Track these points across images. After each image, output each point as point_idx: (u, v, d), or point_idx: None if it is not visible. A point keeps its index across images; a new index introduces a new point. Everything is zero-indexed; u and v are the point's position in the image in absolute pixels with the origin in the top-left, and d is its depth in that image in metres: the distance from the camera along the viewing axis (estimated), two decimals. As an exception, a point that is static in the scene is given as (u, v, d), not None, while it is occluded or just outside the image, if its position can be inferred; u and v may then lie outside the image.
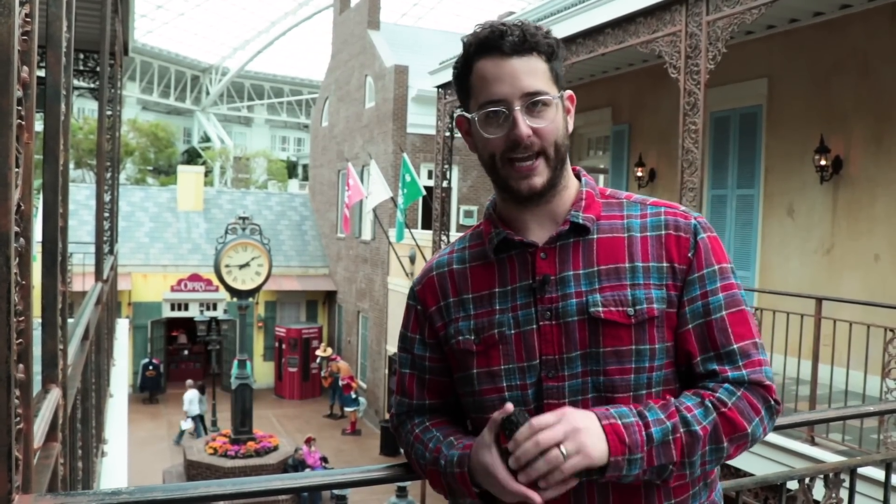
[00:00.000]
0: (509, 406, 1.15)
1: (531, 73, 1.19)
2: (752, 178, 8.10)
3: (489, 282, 1.28)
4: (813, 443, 5.29)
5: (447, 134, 11.03)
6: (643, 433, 1.13)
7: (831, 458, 4.91)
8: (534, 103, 1.19)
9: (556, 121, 1.22)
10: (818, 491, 2.32)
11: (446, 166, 11.11)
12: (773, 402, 1.21)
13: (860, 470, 2.33)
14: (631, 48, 6.82)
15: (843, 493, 2.34)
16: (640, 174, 9.72)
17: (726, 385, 1.19)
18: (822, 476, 2.37)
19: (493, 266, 1.29)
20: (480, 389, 1.27)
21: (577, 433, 1.09)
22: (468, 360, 1.28)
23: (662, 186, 9.35)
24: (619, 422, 1.13)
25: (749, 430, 1.18)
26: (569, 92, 1.27)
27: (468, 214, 18.03)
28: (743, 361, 1.20)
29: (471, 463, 1.20)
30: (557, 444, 1.08)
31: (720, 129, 8.42)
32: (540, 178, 1.21)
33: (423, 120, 17.09)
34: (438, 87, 11.31)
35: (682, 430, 1.14)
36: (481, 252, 1.31)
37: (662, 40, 6.27)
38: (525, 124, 1.18)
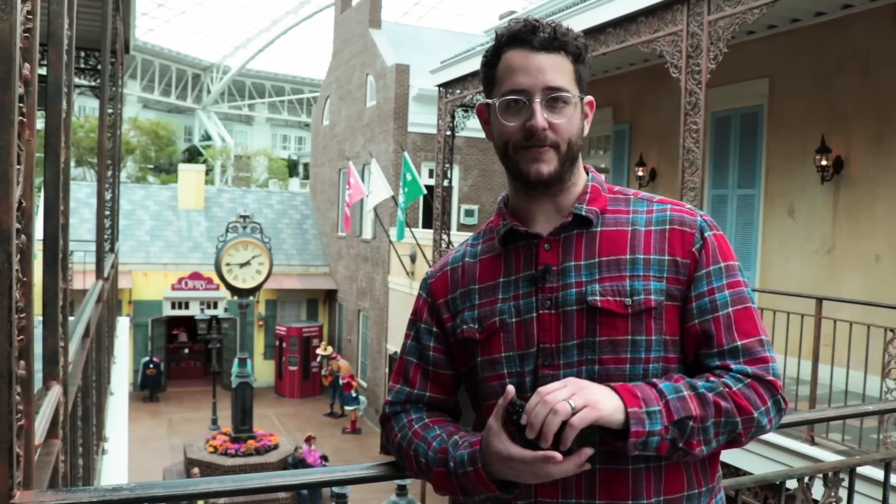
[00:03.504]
0: (510, 389, 1.15)
1: (556, 69, 1.23)
2: (753, 178, 8.10)
3: (495, 272, 1.32)
4: (812, 442, 5.29)
5: (448, 133, 11.02)
6: (654, 390, 1.14)
7: (831, 457, 4.90)
8: (554, 99, 1.22)
9: (573, 120, 1.24)
10: (817, 490, 2.32)
11: (447, 165, 11.11)
12: (779, 398, 1.22)
13: (859, 469, 2.33)
14: (632, 47, 6.82)
15: (843, 493, 2.35)
16: (640, 174, 9.72)
17: (732, 374, 1.20)
18: (821, 475, 2.37)
19: (500, 257, 1.32)
20: (483, 377, 1.29)
21: (583, 389, 1.10)
22: (473, 348, 1.30)
23: (663, 186, 9.35)
24: (628, 383, 1.16)
25: (755, 416, 1.17)
26: (589, 97, 1.30)
27: (469, 213, 18.03)
28: (747, 359, 1.21)
29: (483, 456, 1.19)
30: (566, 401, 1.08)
31: (721, 129, 8.42)
32: (547, 167, 1.23)
33: (424, 119, 17.08)
34: (439, 85, 11.30)
35: (691, 391, 1.15)
36: (491, 245, 1.35)
37: (664, 40, 6.27)
38: (542, 116, 1.21)
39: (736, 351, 1.21)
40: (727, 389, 1.16)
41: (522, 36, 1.23)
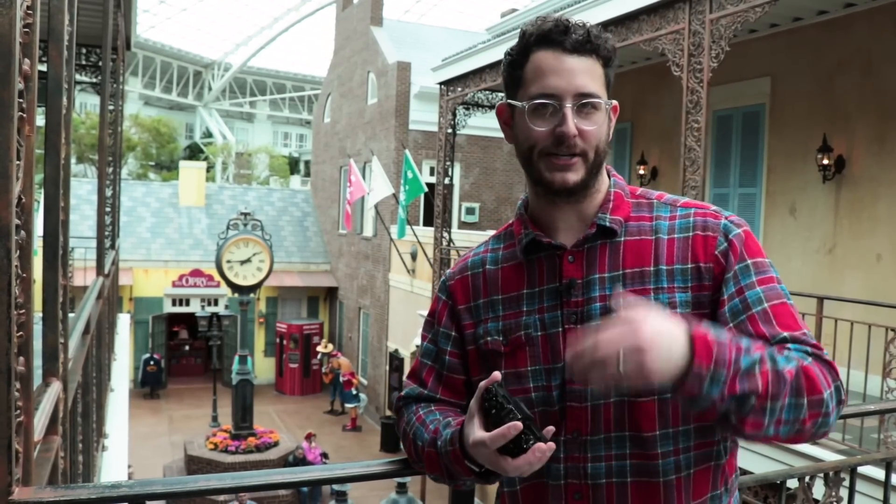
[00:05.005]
0: (496, 374, 1.12)
1: (588, 73, 1.18)
2: (755, 177, 8.09)
3: (518, 283, 1.29)
4: (813, 441, 5.29)
5: (449, 131, 11.02)
6: (733, 354, 1.02)
7: (831, 457, 4.90)
8: (585, 104, 1.18)
9: (602, 126, 1.21)
10: (818, 490, 2.32)
11: (448, 163, 11.10)
12: (840, 383, 1.10)
13: (860, 469, 2.32)
14: (634, 46, 6.81)
15: (843, 492, 2.34)
16: (642, 172, 9.71)
17: (796, 349, 1.10)
18: (822, 475, 2.37)
19: (523, 267, 1.29)
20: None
21: (639, 347, 0.97)
22: (496, 361, 1.28)
23: (664, 185, 9.34)
24: (712, 335, 1.02)
25: (825, 397, 1.06)
26: (614, 102, 1.26)
27: (470, 211, 18.03)
28: (799, 343, 1.12)
29: (462, 437, 1.18)
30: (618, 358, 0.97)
31: (723, 128, 8.41)
32: (574, 176, 1.20)
33: (425, 116, 17.07)
34: (441, 83, 11.29)
35: (769, 365, 1.03)
36: (513, 253, 1.32)
37: (665, 38, 6.26)
38: (573, 123, 1.17)
39: (784, 339, 1.12)
40: (801, 363, 1.06)
41: (554, 36, 1.18)
